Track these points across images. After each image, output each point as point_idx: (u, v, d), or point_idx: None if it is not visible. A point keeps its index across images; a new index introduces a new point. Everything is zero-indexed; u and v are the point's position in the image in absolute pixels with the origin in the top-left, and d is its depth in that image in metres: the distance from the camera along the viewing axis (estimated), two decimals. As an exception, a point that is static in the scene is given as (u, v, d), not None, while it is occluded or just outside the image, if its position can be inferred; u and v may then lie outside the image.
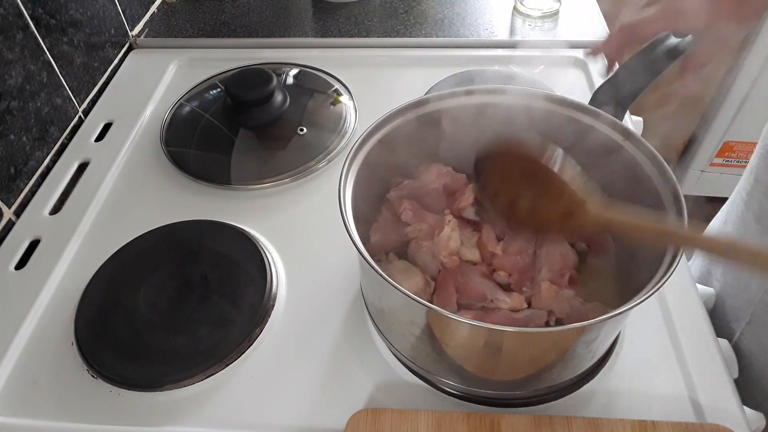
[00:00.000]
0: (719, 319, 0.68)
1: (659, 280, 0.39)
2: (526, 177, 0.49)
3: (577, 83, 0.81)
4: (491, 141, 0.50)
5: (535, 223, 0.49)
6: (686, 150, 1.74)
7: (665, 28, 0.51)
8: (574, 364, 0.47)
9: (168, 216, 0.64)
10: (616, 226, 0.44)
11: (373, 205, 0.55)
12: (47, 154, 0.71)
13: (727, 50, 0.53)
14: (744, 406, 0.49)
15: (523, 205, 0.49)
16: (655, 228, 0.43)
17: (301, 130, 0.73)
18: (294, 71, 0.83)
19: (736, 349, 0.65)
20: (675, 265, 0.39)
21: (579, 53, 0.85)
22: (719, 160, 1.68)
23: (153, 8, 0.96)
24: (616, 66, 0.56)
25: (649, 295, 0.38)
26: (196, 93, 0.80)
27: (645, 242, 0.45)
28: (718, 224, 0.74)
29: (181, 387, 0.51)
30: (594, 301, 0.48)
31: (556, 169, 0.47)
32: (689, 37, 0.52)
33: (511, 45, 0.87)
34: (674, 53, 0.53)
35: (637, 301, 0.38)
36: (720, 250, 0.41)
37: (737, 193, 0.70)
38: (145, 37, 0.91)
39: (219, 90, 0.80)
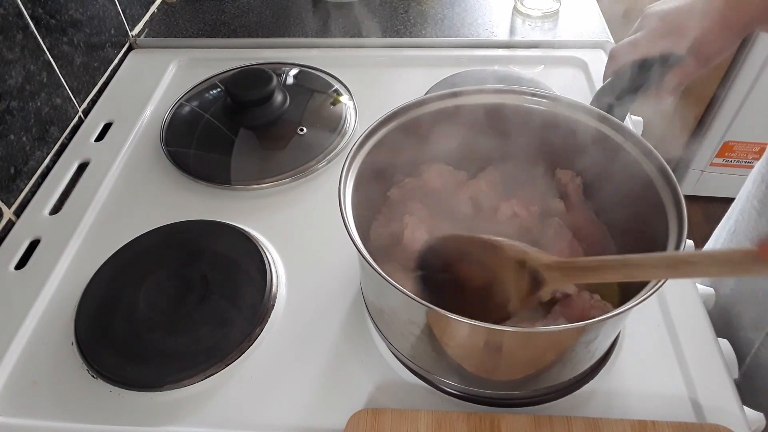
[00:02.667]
0: (736, 329, 0.68)
1: (658, 281, 0.39)
2: (474, 263, 0.45)
3: (577, 83, 0.81)
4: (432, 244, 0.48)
5: (504, 305, 0.43)
6: (686, 150, 1.74)
7: (650, 51, 0.53)
8: (574, 363, 0.47)
9: (168, 216, 0.64)
10: (583, 271, 0.41)
11: (374, 205, 0.55)
12: (47, 154, 0.71)
13: (708, 72, 0.56)
14: (744, 406, 0.49)
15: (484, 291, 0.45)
16: (630, 262, 0.38)
17: (301, 130, 0.73)
18: (294, 71, 0.83)
19: (756, 359, 0.65)
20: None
21: (579, 53, 0.85)
22: (719, 160, 1.68)
23: (153, 8, 0.96)
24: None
25: (648, 296, 0.38)
26: (196, 93, 0.80)
27: (617, 280, 0.43)
28: (727, 233, 0.73)
29: (181, 387, 0.51)
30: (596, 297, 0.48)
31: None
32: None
33: (511, 45, 0.87)
34: (670, 64, 0.54)
35: (637, 302, 0.38)
36: (706, 267, 0.36)
37: (747, 201, 0.69)
38: (145, 37, 0.91)
39: (219, 90, 0.80)
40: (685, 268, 0.36)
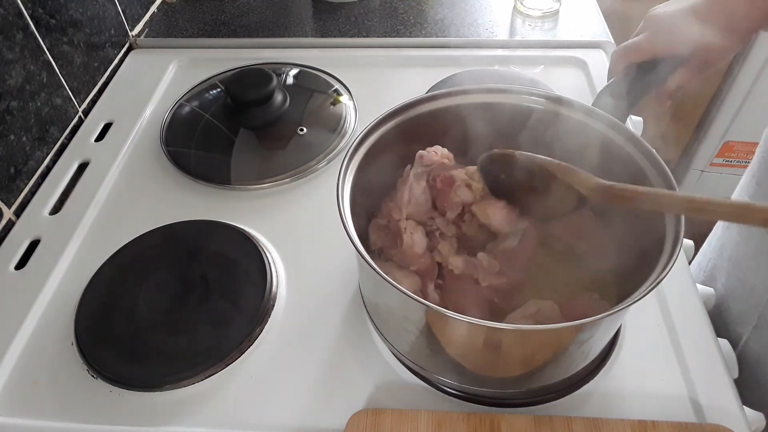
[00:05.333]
0: (725, 323, 0.68)
1: (654, 281, 0.39)
2: (527, 174, 0.50)
3: (577, 83, 0.81)
4: (487, 156, 0.52)
5: (548, 207, 0.50)
6: (686, 150, 1.74)
7: (651, 53, 0.53)
8: (575, 360, 0.47)
9: (168, 216, 0.64)
10: (623, 194, 0.44)
11: (373, 204, 0.55)
12: (47, 154, 0.71)
13: (709, 76, 0.56)
14: (744, 406, 0.49)
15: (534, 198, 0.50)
16: (661, 195, 0.43)
17: (301, 130, 0.73)
18: (294, 71, 0.83)
19: (744, 353, 0.65)
20: (670, 265, 0.39)
21: (579, 53, 0.85)
22: (719, 160, 1.68)
23: (153, 8, 0.96)
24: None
25: (644, 295, 0.38)
26: (196, 93, 0.80)
27: (645, 209, 0.45)
28: (722, 227, 0.74)
29: (181, 387, 0.51)
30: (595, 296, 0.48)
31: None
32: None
33: (511, 45, 0.87)
34: (672, 67, 0.54)
35: (635, 299, 0.38)
36: (732, 214, 0.40)
37: (739, 197, 0.70)
38: (145, 37, 0.91)
39: (219, 90, 0.80)
40: (704, 212, 0.40)
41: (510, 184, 0.51)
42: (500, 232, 0.52)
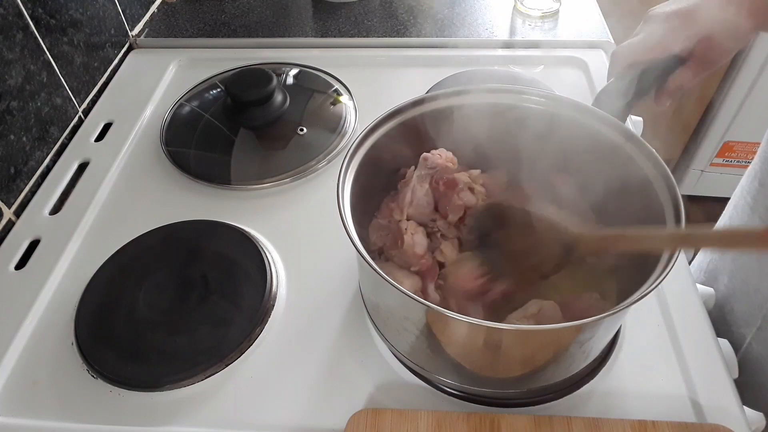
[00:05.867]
0: (728, 325, 0.68)
1: (654, 281, 0.39)
2: (516, 231, 0.50)
3: (577, 83, 0.81)
4: (479, 211, 0.52)
5: (540, 268, 0.49)
6: (686, 150, 1.74)
7: (653, 53, 0.53)
8: (575, 360, 0.47)
9: (168, 216, 0.64)
10: (608, 241, 0.45)
11: (372, 204, 0.55)
12: (47, 154, 0.71)
13: (709, 76, 0.56)
14: (744, 406, 0.49)
15: (523, 256, 0.50)
16: (646, 235, 0.43)
17: (301, 130, 0.73)
18: (294, 71, 0.83)
19: (747, 354, 0.65)
20: (670, 266, 0.39)
21: (579, 53, 0.85)
22: (719, 160, 1.68)
23: (153, 8, 0.96)
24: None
25: (644, 295, 0.38)
26: (196, 93, 0.80)
27: (639, 251, 0.45)
28: (723, 227, 0.74)
29: (181, 387, 0.51)
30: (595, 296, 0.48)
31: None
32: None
33: (511, 45, 0.87)
34: (672, 67, 0.54)
35: (635, 299, 0.38)
36: (715, 241, 0.41)
37: (741, 198, 0.70)
38: (145, 37, 0.91)
39: (219, 90, 0.80)
40: (692, 242, 0.41)
41: (499, 240, 0.50)
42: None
